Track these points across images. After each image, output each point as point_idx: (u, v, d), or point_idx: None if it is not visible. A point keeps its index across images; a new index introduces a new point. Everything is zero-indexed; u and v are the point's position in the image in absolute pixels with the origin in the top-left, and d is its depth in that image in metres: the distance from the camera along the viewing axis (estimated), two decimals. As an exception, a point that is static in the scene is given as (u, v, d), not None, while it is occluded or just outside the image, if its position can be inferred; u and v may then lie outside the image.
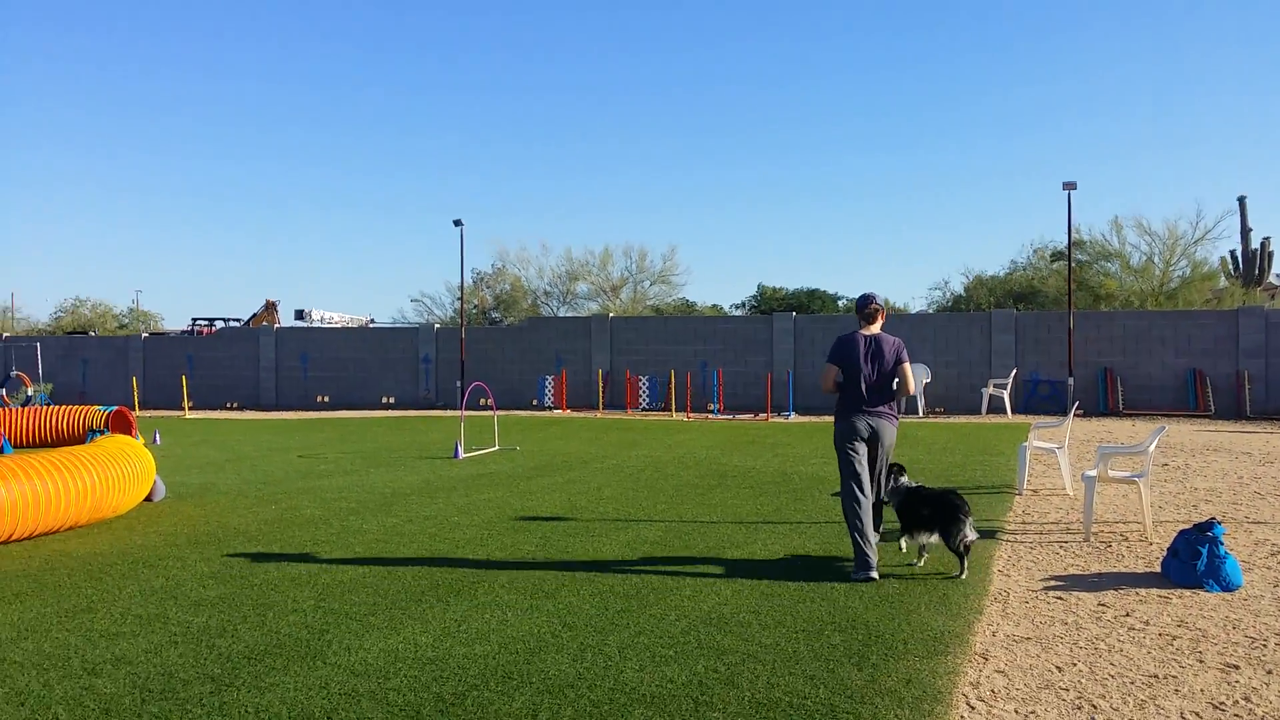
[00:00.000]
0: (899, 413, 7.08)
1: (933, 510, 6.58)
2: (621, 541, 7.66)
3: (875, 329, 6.97)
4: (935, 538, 6.59)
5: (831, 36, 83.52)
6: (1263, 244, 35.01)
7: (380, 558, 7.09)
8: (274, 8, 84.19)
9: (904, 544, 7.10)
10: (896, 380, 6.88)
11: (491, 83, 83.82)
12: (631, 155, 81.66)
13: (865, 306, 7.01)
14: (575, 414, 24.60)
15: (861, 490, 6.66)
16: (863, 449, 6.79)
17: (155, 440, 17.54)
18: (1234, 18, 73.11)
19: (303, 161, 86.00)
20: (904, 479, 7.03)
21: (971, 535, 6.44)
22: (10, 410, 16.77)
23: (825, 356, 7.02)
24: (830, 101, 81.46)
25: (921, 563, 6.80)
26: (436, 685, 4.33)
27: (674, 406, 24.64)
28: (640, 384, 25.75)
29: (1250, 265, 35.07)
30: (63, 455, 8.26)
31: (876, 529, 6.83)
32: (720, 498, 9.99)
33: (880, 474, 6.96)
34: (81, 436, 16.17)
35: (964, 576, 6.41)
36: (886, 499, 7.02)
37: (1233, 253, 35.80)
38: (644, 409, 25.41)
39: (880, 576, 6.41)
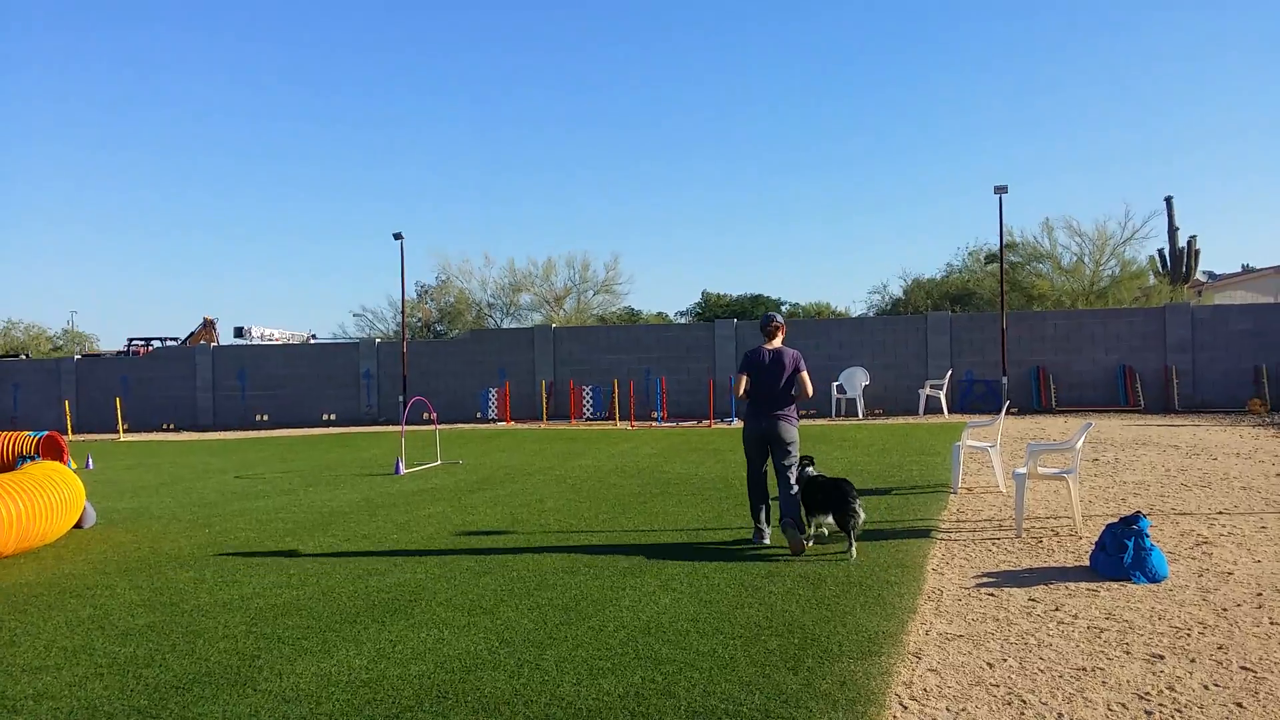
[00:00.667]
0: (799, 414, 8.16)
1: (825, 495, 7.54)
2: (562, 553, 7.63)
3: (777, 343, 8.11)
4: (829, 518, 7.55)
5: (769, 44, 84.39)
6: (1189, 242, 35.96)
7: (316, 579, 6.99)
8: (204, 21, 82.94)
9: (811, 525, 7.81)
10: (795, 387, 7.90)
11: (432, 94, 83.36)
12: (574, 164, 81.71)
13: (767, 325, 8.19)
14: (519, 426, 24.50)
15: (759, 483, 7.99)
16: (763, 447, 7.93)
17: (88, 465, 17.13)
18: (1161, 20, 75.17)
19: (241, 178, 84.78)
20: (809, 469, 8.06)
21: (860, 516, 7.26)
22: (-66, 439, 16.26)
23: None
24: (771, 109, 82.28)
25: (809, 544, 7.62)
26: (370, 708, 4.28)
27: (618, 415, 24.64)
28: (584, 394, 25.72)
29: (1178, 263, 36.00)
30: (-14, 484, 8.03)
31: (801, 531, 7.51)
32: (661, 506, 10.01)
33: (787, 466, 7.79)
34: (11, 463, 15.74)
35: (854, 557, 7.14)
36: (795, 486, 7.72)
37: (1161, 251, 36.71)
38: (588, 419, 25.38)
39: (795, 553, 7.36)
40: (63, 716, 4.26)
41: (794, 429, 7.88)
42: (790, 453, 7.80)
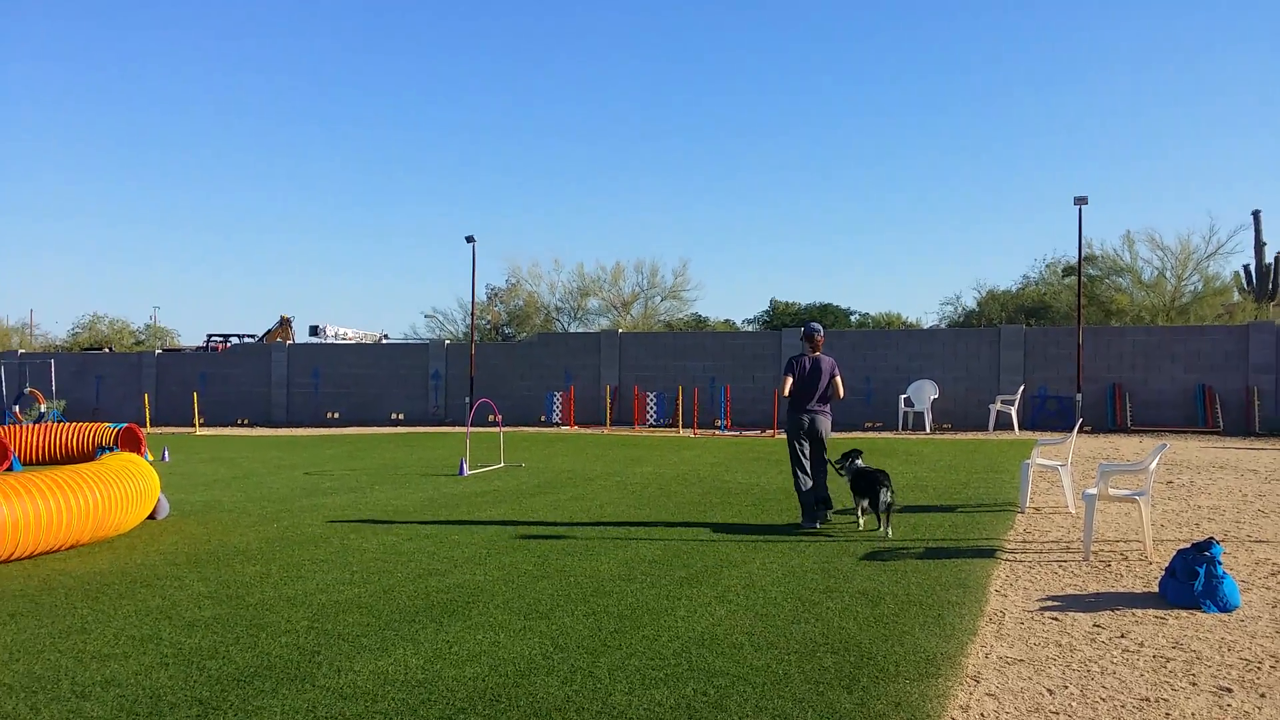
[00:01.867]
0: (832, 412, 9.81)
1: (866, 482, 8.86)
2: (620, 560, 7.65)
3: (817, 352, 9.66)
4: (866, 502, 8.90)
5: (844, 50, 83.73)
6: (1277, 258, 34.81)
7: (378, 577, 7.10)
8: (294, 28, 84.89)
9: (859, 512, 9.21)
10: (830, 389, 9.57)
11: (505, 98, 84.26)
12: (645, 170, 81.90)
13: (811, 336, 9.70)
14: (583, 430, 24.61)
15: (802, 468, 9.47)
16: (806, 438, 9.56)
17: (164, 457, 17.62)
18: (1251, 27, 72.97)
19: (320, 179, 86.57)
20: (858, 461, 9.27)
21: (889, 499, 8.66)
22: (21, 427, 16.87)
23: (783, 371, 9.60)
24: (844, 115, 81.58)
25: (861, 524, 9.14)
26: (424, 709, 4.33)
27: (681, 423, 24.62)
28: (648, 400, 25.75)
29: (1264, 280, 34.86)
30: (66, 473, 8.31)
31: (827, 506, 9.45)
32: (722, 515, 9.97)
33: (822, 457, 9.58)
34: (91, 454, 16.27)
35: (889, 534, 8.65)
36: (843, 473, 9.31)
37: (1246, 267, 35.61)
38: (651, 425, 25.40)
39: (820, 526, 9.20)
40: (128, 705, 4.39)
41: (829, 423, 9.63)
42: (824, 444, 9.60)
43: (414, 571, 7.29)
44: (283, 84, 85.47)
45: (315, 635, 5.53)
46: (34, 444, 16.47)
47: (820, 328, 9.74)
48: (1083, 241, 23.03)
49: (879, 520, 8.78)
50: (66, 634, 5.60)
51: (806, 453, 9.53)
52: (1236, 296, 34.10)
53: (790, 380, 9.48)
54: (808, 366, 9.49)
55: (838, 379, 9.59)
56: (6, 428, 16.89)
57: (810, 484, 9.39)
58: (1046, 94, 78.89)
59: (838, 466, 9.42)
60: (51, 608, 6.25)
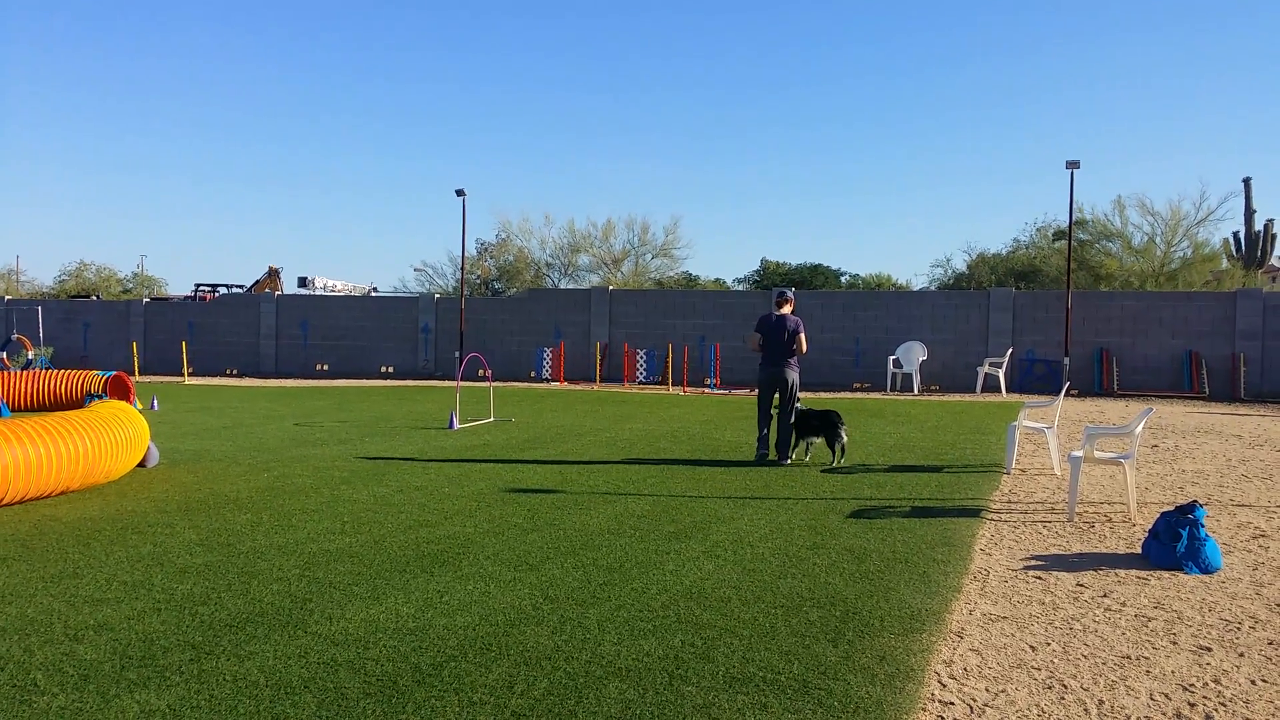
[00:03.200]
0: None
1: (820, 422, 10.60)
2: (609, 515, 7.70)
3: (785, 311, 10.99)
4: (819, 439, 10.67)
5: (838, 11, 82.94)
6: (1266, 226, 34.90)
7: (368, 527, 7.14)
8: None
9: (803, 447, 10.79)
10: (795, 344, 10.82)
11: (497, 51, 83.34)
12: (638, 127, 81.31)
13: (779, 298, 11.17)
14: (572, 386, 24.65)
15: (765, 413, 10.97)
16: (771, 388, 10.91)
17: (153, 405, 17.59)
18: (1245, -4, 72.49)
19: (310, 131, 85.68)
20: (798, 405, 10.85)
21: (843, 438, 10.49)
22: (9, 374, 16.80)
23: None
24: (838, 76, 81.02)
25: (808, 458, 10.83)
26: (415, 655, 4.38)
27: (671, 380, 24.67)
28: (638, 357, 25.78)
29: (1253, 247, 34.97)
30: (56, 420, 8.29)
31: (790, 452, 10.77)
32: (710, 473, 10.03)
33: (790, 403, 10.77)
34: (80, 401, 16.22)
35: (839, 463, 10.45)
36: (793, 420, 10.70)
37: (1236, 234, 35.71)
38: (641, 382, 25.45)
39: (773, 462, 10.66)
40: (121, 648, 4.42)
41: (795, 373, 10.86)
42: (792, 393, 10.79)
43: (404, 523, 7.33)
44: (273, 35, 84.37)
45: (307, 583, 5.57)
46: (23, 390, 16.41)
47: (789, 291, 11.29)
48: (1074, 206, 23.03)
49: (834, 455, 10.57)
50: (58, 578, 5.63)
51: (769, 404, 10.93)
52: (1225, 263, 34.22)
53: (757, 337, 10.93)
54: (772, 321, 10.85)
55: (801, 335, 10.81)
56: (-6, 374, 16.81)
57: (766, 430, 10.90)
58: (1040, 57, 78.45)
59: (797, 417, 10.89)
60: (43, 552, 6.27)
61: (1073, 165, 22.29)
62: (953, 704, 3.98)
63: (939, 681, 4.22)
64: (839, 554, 6.46)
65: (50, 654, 4.33)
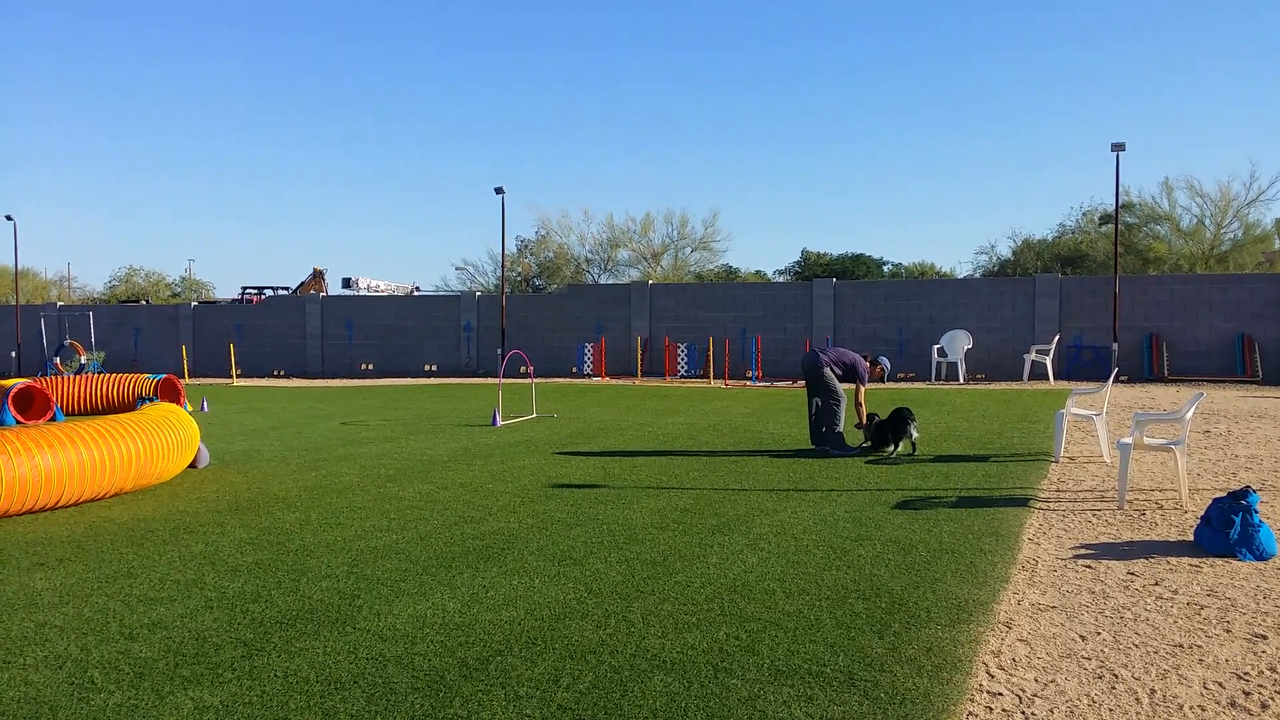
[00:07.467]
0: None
1: (893, 425, 10.68)
2: (652, 509, 7.71)
3: (859, 355, 11.56)
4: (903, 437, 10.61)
5: (879, 4, 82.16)
6: (1320, 205, 34.12)
7: (414, 524, 7.21)
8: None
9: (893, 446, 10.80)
10: (841, 368, 11.39)
11: (533, 47, 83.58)
12: (676, 121, 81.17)
13: (874, 359, 11.88)
14: (614, 381, 24.69)
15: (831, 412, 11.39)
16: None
17: (203, 407, 17.89)
18: (1294, -30, 70.79)
19: (352, 133, 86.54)
20: (876, 417, 11.10)
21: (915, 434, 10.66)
22: (62, 378, 17.17)
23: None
24: (876, 62, 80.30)
25: (910, 450, 10.82)
26: (462, 650, 4.42)
27: (712, 374, 24.64)
28: (679, 351, 25.76)
29: (1306, 227, 34.17)
30: (109, 423, 8.46)
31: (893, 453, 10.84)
32: (752, 466, 10.01)
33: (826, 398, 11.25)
34: (131, 404, 16.54)
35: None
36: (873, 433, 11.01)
37: (1288, 214, 34.92)
38: (682, 376, 25.43)
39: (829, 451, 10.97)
40: (175, 645, 4.51)
41: (830, 375, 11.27)
42: (823, 390, 11.35)
43: (450, 519, 7.39)
44: (317, 36, 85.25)
45: (355, 580, 5.64)
46: (76, 395, 16.77)
47: (885, 361, 11.99)
48: (1120, 189, 22.65)
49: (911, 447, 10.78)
50: (113, 578, 5.75)
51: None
52: (1277, 244, 33.46)
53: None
54: (846, 354, 11.48)
55: (837, 369, 11.29)
56: (48, 379, 17.19)
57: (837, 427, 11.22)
58: (1084, 39, 77.18)
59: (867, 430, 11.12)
60: (98, 553, 6.40)
61: (1118, 148, 21.92)
62: (1001, 694, 3.94)
63: (987, 672, 4.18)
64: (884, 545, 6.41)
65: (107, 652, 4.43)
